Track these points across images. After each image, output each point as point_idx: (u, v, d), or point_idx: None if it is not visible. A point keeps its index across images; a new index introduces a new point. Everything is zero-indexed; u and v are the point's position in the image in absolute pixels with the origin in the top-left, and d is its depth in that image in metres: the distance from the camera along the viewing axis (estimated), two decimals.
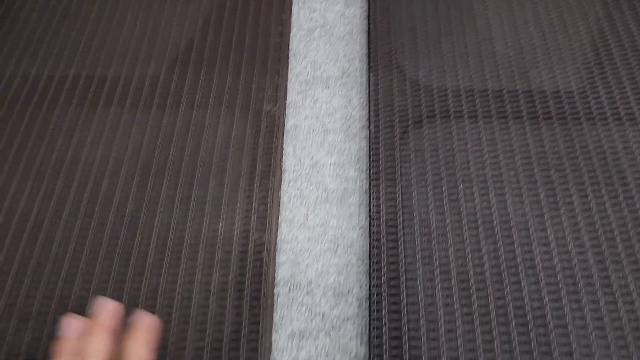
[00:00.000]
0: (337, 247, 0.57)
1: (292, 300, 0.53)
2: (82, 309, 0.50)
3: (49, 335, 0.48)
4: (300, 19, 0.77)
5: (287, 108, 0.66)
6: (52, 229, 0.52)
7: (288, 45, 0.71)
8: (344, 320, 0.52)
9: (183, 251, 0.52)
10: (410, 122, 0.64)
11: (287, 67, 0.69)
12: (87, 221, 0.53)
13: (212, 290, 0.50)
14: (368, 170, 0.62)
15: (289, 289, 0.54)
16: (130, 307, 0.48)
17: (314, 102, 0.68)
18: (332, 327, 0.52)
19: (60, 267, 0.50)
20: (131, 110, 0.62)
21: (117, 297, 0.50)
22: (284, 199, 0.60)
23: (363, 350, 0.51)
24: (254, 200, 0.55)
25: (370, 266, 0.55)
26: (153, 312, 0.49)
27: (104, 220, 0.53)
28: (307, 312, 0.53)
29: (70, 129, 0.60)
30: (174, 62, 0.67)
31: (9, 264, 0.50)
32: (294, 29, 0.76)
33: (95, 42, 0.68)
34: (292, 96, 0.69)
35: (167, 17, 0.71)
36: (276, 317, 0.51)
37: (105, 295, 0.49)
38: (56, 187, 0.56)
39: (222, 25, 0.71)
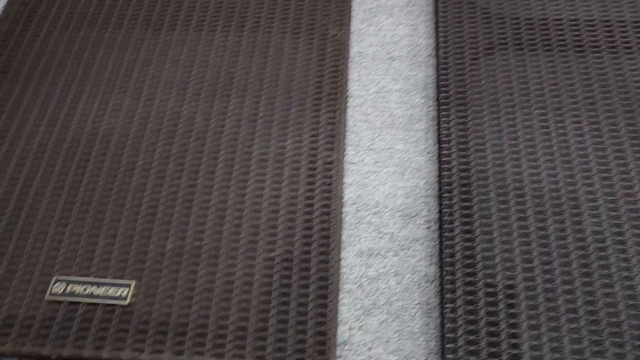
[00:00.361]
0: (404, 171, 0.55)
1: (360, 219, 0.52)
2: (154, 211, 0.50)
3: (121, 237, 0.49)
4: None
5: (350, 35, 0.64)
6: (121, 142, 0.52)
7: None
8: (412, 241, 0.51)
9: (251, 166, 0.51)
10: (480, 50, 0.61)
11: None
12: (155, 135, 0.53)
13: (281, 204, 0.49)
14: (435, 98, 0.60)
15: (357, 209, 0.53)
16: (198, 223, 0.48)
17: (378, 29, 0.66)
18: (401, 247, 0.51)
19: (130, 177, 0.50)
20: (196, 32, 0.61)
21: (185, 209, 0.49)
22: (350, 122, 0.58)
23: (432, 270, 0.49)
24: (320, 120, 0.54)
25: (439, 189, 0.53)
26: (222, 224, 0.48)
27: (171, 135, 0.53)
28: (374, 231, 0.52)
29: (136, 49, 0.60)
30: None
31: (80, 172, 0.50)
32: None
33: None
34: (355, 24, 0.67)
35: None
36: (344, 235, 0.50)
37: (173, 209, 0.49)
38: (124, 102, 0.55)
39: None
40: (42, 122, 0.54)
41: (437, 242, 0.52)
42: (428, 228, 0.52)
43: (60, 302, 0.45)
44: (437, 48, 0.64)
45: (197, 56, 0.59)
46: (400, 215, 0.53)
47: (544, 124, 0.56)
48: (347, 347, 0.47)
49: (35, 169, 0.51)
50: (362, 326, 0.47)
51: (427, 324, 0.48)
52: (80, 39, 0.59)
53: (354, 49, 0.65)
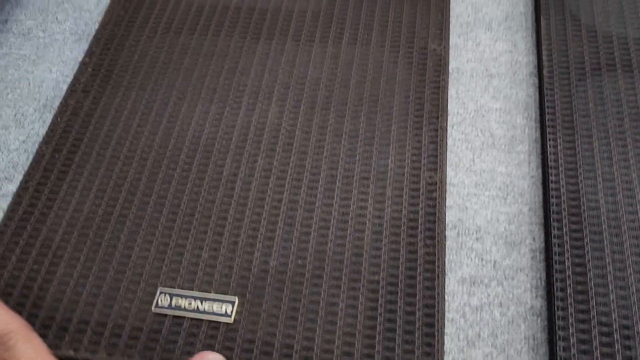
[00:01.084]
0: (506, 195, 0.53)
1: (461, 245, 0.51)
2: (257, 226, 0.49)
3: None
4: None
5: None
6: (222, 153, 0.52)
7: None
8: (516, 270, 0.49)
9: (353, 184, 0.50)
10: (587, 70, 0.59)
11: (449, 7, 0.65)
12: (256, 147, 0.53)
13: (384, 225, 0.48)
14: (538, 119, 0.58)
15: (458, 233, 0.51)
16: (301, 240, 0.47)
17: (476, 45, 0.64)
18: (505, 277, 0.49)
19: (232, 189, 0.50)
20: (293, 43, 0.60)
21: (287, 225, 0.49)
22: (449, 141, 0.57)
23: (539, 303, 0.48)
24: (423, 138, 0.53)
25: (546, 217, 0.51)
26: (325, 242, 0.47)
27: (272, 148, 0.53)
28: (477, 258, 0.50)
29: (235, 57, 0.59)
30: None
31: (182, 182, 0.50)
32: None
33: None
34: (453, 38, 0.65)
35: None
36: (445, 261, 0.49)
37: (275, 224, 0.48)
38: (224, 112, 0.55)
39: None
40: (144, 130, 0.54)
41: (542, 273, 0.50)
42: (533, 258, 0.50)
43: (165, 315, 0.45)
44: (539, 67, 0.62)
45: (295, 67, 0.58)
46: (504, 243, 0.51)
47: None
48: None
49: (138, 176, 0.52)
50: (465, 358, 0.46)
51: None
52: (180, 45, 0.59)
53: (452, 65, 0.63)
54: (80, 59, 0.63)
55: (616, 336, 0.44)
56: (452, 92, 0.61)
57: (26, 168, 0.55)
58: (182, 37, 0.62)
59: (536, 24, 0.66)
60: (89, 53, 0.61)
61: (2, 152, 0.57)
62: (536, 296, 0.48)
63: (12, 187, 0.54)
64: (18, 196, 0.51)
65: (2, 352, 0.35)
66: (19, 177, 0.55)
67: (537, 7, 0.67)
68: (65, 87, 0.61)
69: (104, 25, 0.63)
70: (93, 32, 0.65)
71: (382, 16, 0.63)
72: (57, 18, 0.67)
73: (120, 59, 0.60)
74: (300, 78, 0.58)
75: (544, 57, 0.61)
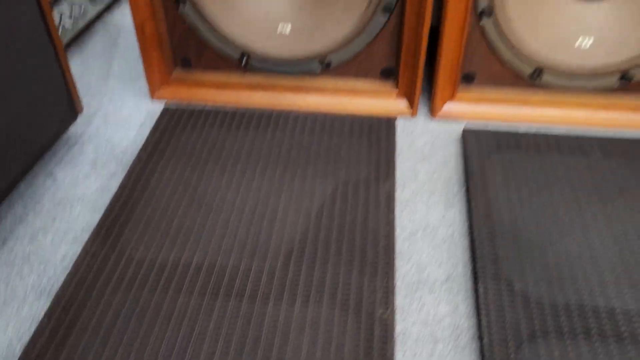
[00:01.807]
0: None
1: None
2: None
3: None
4: (403, 219, 0.80)
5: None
6: None
7: (394, 246, 0.73)
8: None
9: None
10: (524, 338, 0.63)
11: (394, 271, 0.70)
12: None
13: None
14: None
15: None
16: None
17: (421, 306, 0.68)
18: None
19: None
20: (249, 302, 0.64)
21: None
22: None
23: None
24: None
25: None
26: None
27: None
28: None
29: (192, 319, 0.62)
30: (289, 254, 0.70)
31: None
32: (398, 229, 0.79)
33: (217, 231, 0.72)
34: (399, 299, 0.69)
35: (282, 210, 0.76)
36: None
37: None
38: None
39: (334, 222, 0.75)
40: None
41: None
42: None
43: None
44: (480, 334, 0.65)
45: (249, 331, 0.60)
46: None
47: None
48: None
49: None
50: None
51: None
52: (140, 304, 0.62)
53: (398, 327, 0.66)
54: (39, 316, 0.64)
55: None
56: (399, 356, 0.64)
57: None
58: (143, 295, 0.65)
59: (475, 287, 0.72)
60: (49, 313, 0.62)
61: None
62: None
63: None
64: None
65: None
66: None
67: (474, 270, 0.74)
68: (19, 347, 0.61)
69: (66, 284, 0.65)
70: (55, 288, 0.67)
71: (333, 278, 0.68)
72: (22, 272, 0.70)
73: (79, 321, 0.62)
74: (254, 343, 0.61)
75: (483, 325, 0.65)
